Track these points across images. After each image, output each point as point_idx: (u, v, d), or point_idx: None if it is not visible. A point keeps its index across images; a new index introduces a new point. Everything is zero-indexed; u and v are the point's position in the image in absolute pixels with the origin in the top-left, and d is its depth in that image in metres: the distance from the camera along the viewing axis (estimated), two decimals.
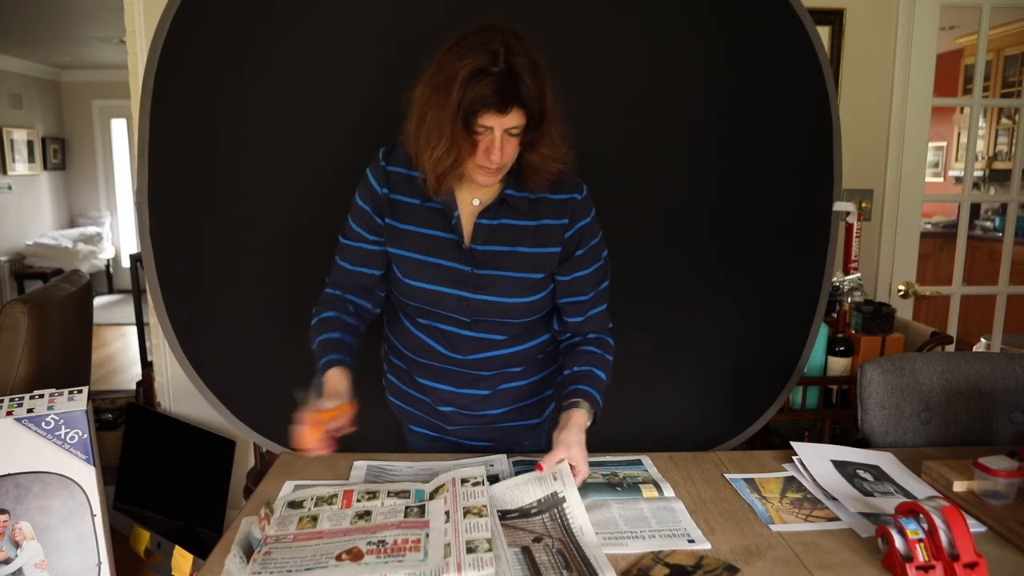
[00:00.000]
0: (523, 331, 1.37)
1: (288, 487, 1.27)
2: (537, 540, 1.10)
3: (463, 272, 1.29)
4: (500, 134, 1.16)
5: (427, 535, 1.07)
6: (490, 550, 1.00)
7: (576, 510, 1.14)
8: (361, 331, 1.37)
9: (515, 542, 1.10)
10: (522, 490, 1.20)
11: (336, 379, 1.26)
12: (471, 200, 1.30)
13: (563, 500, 1.16)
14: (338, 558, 1.00)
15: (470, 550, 1.01)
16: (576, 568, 1.03)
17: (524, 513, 1.17)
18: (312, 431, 1.16)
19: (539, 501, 1.17)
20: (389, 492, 1.20)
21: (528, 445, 1.48)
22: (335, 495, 1.19)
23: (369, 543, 1.04)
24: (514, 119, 1.15)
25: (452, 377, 1.38)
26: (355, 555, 1.01)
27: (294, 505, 1.17)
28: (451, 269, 1.30)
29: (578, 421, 1.25)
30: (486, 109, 1.13)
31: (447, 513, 1.11)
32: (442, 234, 1.30)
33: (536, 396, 1.46)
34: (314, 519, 1.12)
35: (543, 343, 1.41)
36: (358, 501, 1.17)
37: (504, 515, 1.16)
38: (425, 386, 1.41)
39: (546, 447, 1.26)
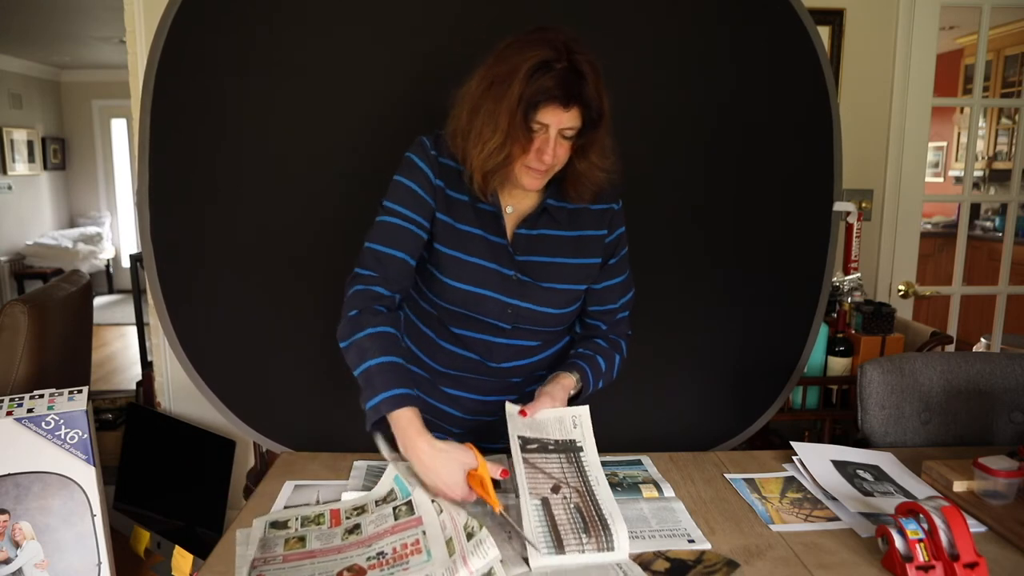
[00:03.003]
0: (554, 336, 1.37)
1: (288, 487, 1.27)
2: (555, 490, 1.11)
3: (508, 277, 1.26)
4: (555, 134, 1.14)
5: (424, 532, 1.05)
6: (483, 527, 0.98)
7: (592, 459, 1.15)
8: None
9: (535, 490, 1.10)
10: (543, 426, 1.19)
11: (416, 422, 1.11)
12: (506, 207, 1.27)
13: (580, 449, 1.16)
14: None
15: (469, 535, 0.99)
16: (594, 532, 1.04)
17: (543, 447, 1.16)
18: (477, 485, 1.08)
19: (557, 442, 1.17)
20: (376, 501, 1.17)
21: None
22: (321, 515, 1.15)
23: (368, 558, 1.01)
24: (572, 119, 1.13)
25: (482, 386, 1.35)
26: (357, 572, 0.98)
27: (277, 526, 1.11)
28: (497, 273, 1.25)
29: (563, 382, 1.25)
30: (549, 103, 1.10)
31: (435, 500, 1.09)
32: (491, 237, 1.26)
33: None
34: (301, 540, 1.08)
35: (567, 345, 1.41)
36: (347, 518, 1.13)
37: (524, 444, 1.16)
38: (450, 396, 1.37)
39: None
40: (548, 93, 1.09)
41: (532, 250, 1.27)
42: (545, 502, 1.09)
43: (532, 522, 1.05)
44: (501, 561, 0.96)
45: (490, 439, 1.40)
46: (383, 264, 1.22)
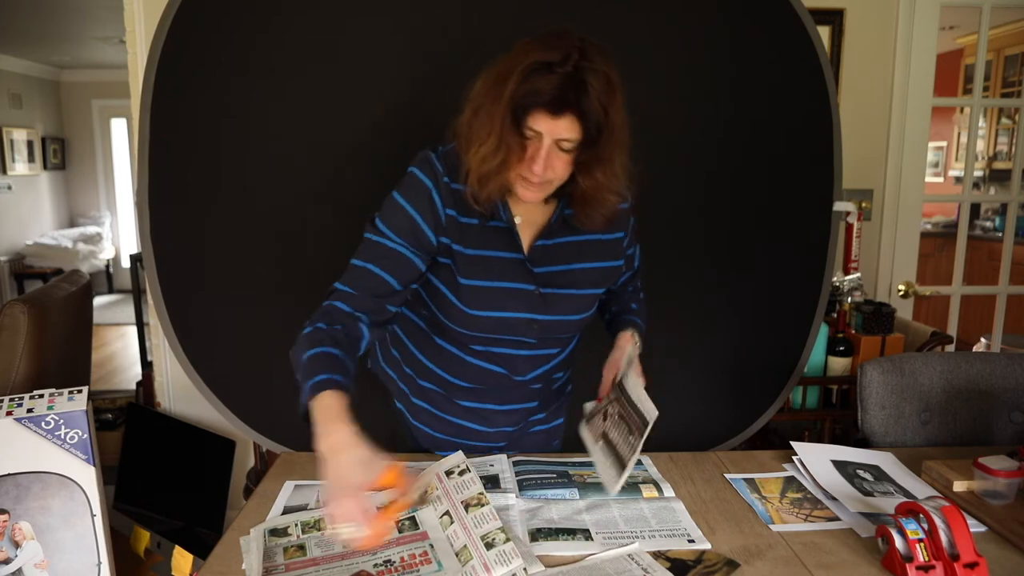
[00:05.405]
0: (572, 337, 1.35)
1: (288, 487, 1.27)
2: (604, 416, 1.27)
3: (529, 292, 1.20)
4: (549, 143, 1.05)
5: (431, 545, 1.06)
6: (508, 540, 0.99)
7: (632, 382, 1.23)
8: (356, 359, 1.12)
9: (595, 432, 1.29)
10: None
11: (335, 407, 0.98)
12: (515, 217, 1.20)
13: (623, 384, 1.25)
14: None
15: (488, 545, 1.00)
16: (635, 428, 1.18)
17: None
18: (379, 525, 0.95)
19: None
20: (378, 508, 1.16)
21: (556, 445, 1.48)
22: (322, 519, 1.13)
23: (375, 565, 1.01)
24: (567, 129, 1.04)
25: (504, 395, 1.31)
26: None
27: (277, 533, 1.10)
28: (519, 291, 1.20)
29: (623, 344, 1.30)
30: (537, 108, 1.02)
31: (447, 514, 1.10)
32: (507, 254, 1.19)
33: (564, 394, 1.46)
34: (301, 548, 1.07)
35: (578, 342, 1.39)
36: None
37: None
38: (470, 409, 1.33)
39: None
40: (537, 97, 1.01)
41: (550, 260, 1.21)
42: (605, 436, 1.26)
43: (602, 462, 1.25)
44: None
45: (516, 449, 1.39)
46: (363, 279, 1.15)
